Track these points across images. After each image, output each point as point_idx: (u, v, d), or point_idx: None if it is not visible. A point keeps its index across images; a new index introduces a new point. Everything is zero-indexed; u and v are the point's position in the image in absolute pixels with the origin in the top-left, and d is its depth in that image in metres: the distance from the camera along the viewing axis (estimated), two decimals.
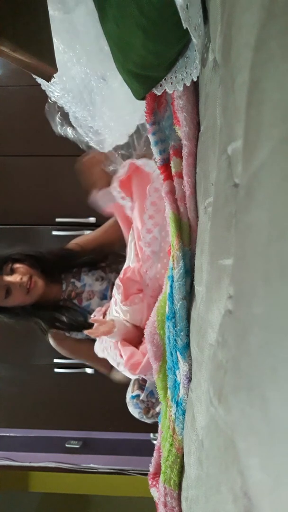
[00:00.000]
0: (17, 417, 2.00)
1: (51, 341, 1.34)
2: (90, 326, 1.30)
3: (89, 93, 1.02)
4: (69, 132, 1.20)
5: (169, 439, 0.83)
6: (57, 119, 1.18)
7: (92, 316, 1.20)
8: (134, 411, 1.13)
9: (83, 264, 1.33)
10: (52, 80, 0.99)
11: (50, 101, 1.09)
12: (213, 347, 0.48)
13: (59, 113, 1.18)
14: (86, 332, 1.07)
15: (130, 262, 1.10)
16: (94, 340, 1.22)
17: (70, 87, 1.02)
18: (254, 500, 0.28)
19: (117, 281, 1.07)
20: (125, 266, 1.13)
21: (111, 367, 1.19)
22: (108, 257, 1.38)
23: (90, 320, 1.15)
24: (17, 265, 1.21)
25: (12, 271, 1.19)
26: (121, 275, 1.08)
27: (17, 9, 0.64)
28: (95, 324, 1.09)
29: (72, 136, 1.20)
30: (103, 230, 1.42)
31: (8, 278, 1.18)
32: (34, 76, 0.78)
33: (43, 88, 1.05)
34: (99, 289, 1.34)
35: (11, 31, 0.63)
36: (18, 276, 1.18)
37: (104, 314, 1.18)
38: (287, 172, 0.23)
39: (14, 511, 2.32)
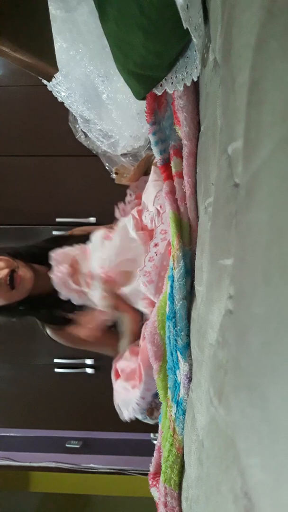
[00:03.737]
0: (17, 417, 2.00)
1: (50, 333, 1.23)
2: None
3: (95, 90, 1.02)
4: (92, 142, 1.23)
5: (170, 439, 0.83)
6: (78, 128, 1.20)
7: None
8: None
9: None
10: (56, 80, 1.00)
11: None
12: (214, 347, 0.48)
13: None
14: None
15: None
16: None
17: (75, 86, 1.02)
18: (254, 500, 0.28)
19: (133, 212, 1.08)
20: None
21: (116, 343, 1.13)
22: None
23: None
24: None
25: None
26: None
27: (17, 9, 0.64)
28: None
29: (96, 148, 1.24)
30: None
31: None
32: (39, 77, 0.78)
33: (50, 88, 1.05)
34: None
35: (12, 31, 0.63)
36: None
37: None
38: (287, 172, 0.23)
39: (14, 511, 2.31)
